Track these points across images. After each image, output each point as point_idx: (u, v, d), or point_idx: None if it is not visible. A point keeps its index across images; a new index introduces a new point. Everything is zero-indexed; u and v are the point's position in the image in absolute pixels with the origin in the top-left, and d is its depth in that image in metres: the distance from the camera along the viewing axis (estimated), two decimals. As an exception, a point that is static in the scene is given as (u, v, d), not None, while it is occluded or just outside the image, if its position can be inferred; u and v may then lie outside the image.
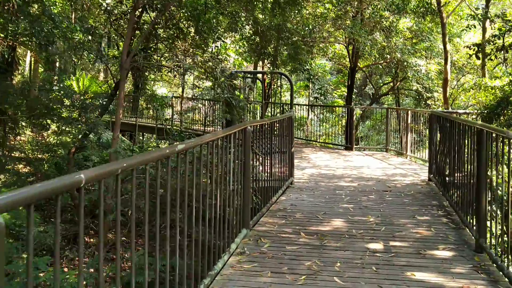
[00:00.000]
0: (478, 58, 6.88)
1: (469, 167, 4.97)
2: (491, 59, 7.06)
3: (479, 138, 4.33)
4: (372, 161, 10.71)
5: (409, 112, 11.25)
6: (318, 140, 14.66)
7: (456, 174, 5.80)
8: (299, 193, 7.04)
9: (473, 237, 4.66)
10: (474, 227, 4.63)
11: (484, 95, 8.76)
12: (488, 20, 9.51)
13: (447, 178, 6.50)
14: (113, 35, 10.68)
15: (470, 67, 14.35)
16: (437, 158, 7.25)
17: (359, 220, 5.50)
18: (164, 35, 8.12)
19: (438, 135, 7.52)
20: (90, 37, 11.38)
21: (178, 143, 2.98)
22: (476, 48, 6.83)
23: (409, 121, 11.25)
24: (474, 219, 4.54)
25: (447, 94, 10.12)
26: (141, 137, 19.50)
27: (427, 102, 13.07)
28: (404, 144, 11.97)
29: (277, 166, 6.79)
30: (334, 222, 5.48)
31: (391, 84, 17.98)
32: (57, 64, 20.78)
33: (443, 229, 5.12)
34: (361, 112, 16.53)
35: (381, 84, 18.83)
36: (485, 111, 7.45)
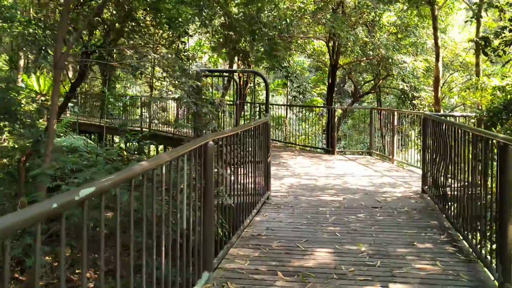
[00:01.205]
0: (485, 54, 6.03)
1: (480, 183, 4.06)
2: (499, 55, 6.21)
3: (503, 155, 3.40)
4: (356, 167, 9.80)
5: (396, 113, 10.37)
6: (297, 143, 13.70)
7: (463, 193, 4.88)
8: (277, 211, 6.04)
9: (492, 278, 3.74)
10: (494, 265, 3.71)
11: (479, 96, 7.94)
12: (483, 13, 8.75)
13: (447, 192, 5.59)
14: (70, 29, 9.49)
15: (458, 64, 13.59)
16: (433, 169, 6.35)
17: (349, 251, 4.53)
18: (126, 29, 7.04)
19: (431, 140, 6.63)
20: (48, 32, 10.18)
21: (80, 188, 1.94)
22: (483, 43, 5.98)
23: (395, 123, 10.38)
24: (496, 258, 3.61)
25: (439, 94, 9.31)
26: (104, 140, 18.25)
27: (413, 102, 12.26)
28: (390, 148, 11.11)
29: (251, 179, 5.78)
30: (319, 253, 4.49)
31: (373, 82, 17.17)
32: (21, 63, 19.39)
33: (451, 263, 4.19)
34: (342, 111, 15.64)
35: (362, 83, 17.98)
36: (487, 115, 6.59)
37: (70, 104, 18.02)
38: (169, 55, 4.75)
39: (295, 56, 23.67)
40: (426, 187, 6.85)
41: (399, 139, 11.42)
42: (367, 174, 8.95)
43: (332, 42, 12.69)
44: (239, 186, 5.14)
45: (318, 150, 12.93)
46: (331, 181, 8.18)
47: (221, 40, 6.49)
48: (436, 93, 9.30)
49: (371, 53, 12.18)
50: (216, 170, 4.18)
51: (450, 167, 5.49)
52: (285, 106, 17.98)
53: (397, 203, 6.43)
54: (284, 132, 17.88)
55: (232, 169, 4.94)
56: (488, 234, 4.08)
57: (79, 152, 9.94)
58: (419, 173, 9.18)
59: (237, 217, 5.03)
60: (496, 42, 6.24)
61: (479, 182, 4.41)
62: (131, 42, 5.17)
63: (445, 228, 5.24)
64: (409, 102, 12.29)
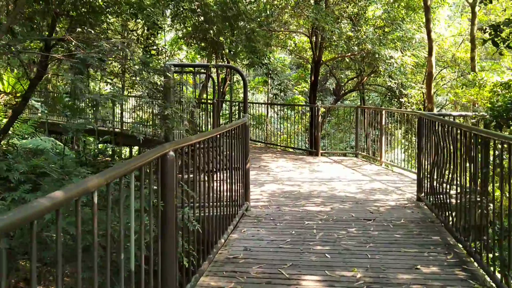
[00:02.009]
0: (496, 45, 5.38)
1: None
2: (509, 46, 5.56)
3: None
4: (343, 170, 9.10)
5: (384, 112, 9.71)
6: (279, 144, 12.96)
7: (474, 204, 4.20)
8: (257, 226, 5.27)
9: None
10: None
11: (476, 93, 7.32)
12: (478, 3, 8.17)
13: (450, 201, 4.92)
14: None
15: (449, 60, 12.97)
16: (432, 174, 5.67)
17: (342, 279, 3.79)
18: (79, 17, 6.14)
19: (428, 142, 5.96)
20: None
21: None
22: (493, 32, 5.32)
23: (383, 122, 9.72)
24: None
25: (432, 91, 8.66)
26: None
27: (400, 100, 11.63)
28: (377, 149, 10.47)
29: (227, 189, 5.02)
30: (306, 282, 3.75)
31: (357, 79, 16.54)
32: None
33: (465, 294, 3.49)
34: (325, 110, 14.95)
35: (345, 80, 17.34)
36: (491, 114, 5.94)
37: (37, 104, 16.95)
38: (127, 45, 3.95)
39: (276, 52, 22.98)
40: (423, 194, 6.17)
41: (386, 138, 10.78)
42: (355, 178, 8.26)
43: (315, 36, 11.97)
44: (212, 200, 4.36)
45: (301, 151, 12.21)
46: (317, 187, 7.45)
47: (189, 28, 5.70)
48: (429, 90, 8.65)
49: (356, 48, 11.50)
50: (181, 184, 3.40)
51: (455, 173, 4.81)
52: (266, 105, 17.23)
53: (391, 214, 5.73)
54: (265, 131, 17.13)
55: (205, 178, 4.16)
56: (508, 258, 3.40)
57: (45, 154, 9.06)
58: (411, 177, 8.55)
59: (210, 237, 4.25)
60: (505, 32, 5.58)
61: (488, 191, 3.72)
62: (79, 29, 4.36)
63: (450, 245, 4.55)
64: (396, 100, 11.66)
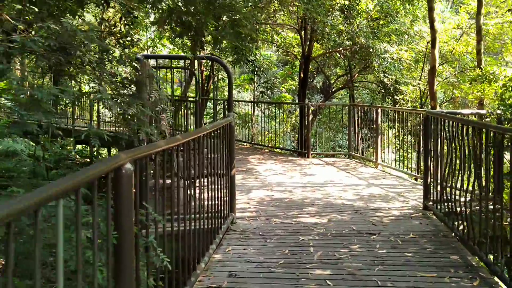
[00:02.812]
0: None
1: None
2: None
3: None
4: (337, 173, 8.39)
5: (380, 110, 9.02)
6: (267, 144, 12.21)
7: (502, 220, 3.51)
8: (244, 244, 4.51)
9: None
10: None
11: (483, 89, 6.66)
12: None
13: (465, 211, 4.23)
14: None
15: (446, 53, 12.30)
16: (443, 180, 4.98)
17: (351, 317, 3.06)
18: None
19: (437, 144, 5.28)
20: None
21: None
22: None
23: (379, 122, 9.03)
24: None
25: (435, 87, 7.96)
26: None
27: (395, 97, 10.96)
28: (369, 149, 9.80)
29: (209, 198, 4.26)
30: (306, 322, 3.00)
31: (347, 76, 15.86)
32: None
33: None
34: (314, 109, 14.22)
35: (335, 77, 16.65)
36: (504, 111, 5.27)
37: (8, 102, 15.90)
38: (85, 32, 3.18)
39: (262, 49, 22.23)
40: (431, 203, 5.47)
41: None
42: (351, 182, 7.55)
43: (304, 30, 11.24)
44: (191, 212, 3.59)
45: (291, 152, 11.48)
46: (310, 193, 6.72)
47: (162, 13, 4.96)
48: (432, 86, 7.95)
49: (347, 42, 10.80)
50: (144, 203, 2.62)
51: (472, 179, 4.12)
52: (253, 103, 16.48)
53: (397, 226, 5.01)
54: (252, 130, 16.37)
55: (187, 184, 3.39)
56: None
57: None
58: (411, 181, 7.89)
59: (188, 259, 3.49)
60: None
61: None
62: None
63: (473, 267, 3.84)
64: (390, 97, 10.99)
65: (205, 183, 4.24)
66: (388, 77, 10.55)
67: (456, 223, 4.55)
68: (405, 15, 10.90)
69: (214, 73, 16.93)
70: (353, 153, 10.25)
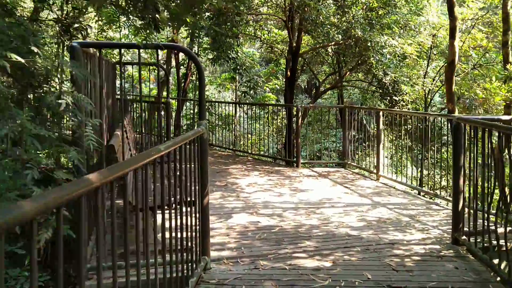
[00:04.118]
0: None
1: None
2: None
3: None
4: (334, 189, 7.12)
5: (381, 113, 7.78)
6: (250, 150, 10.87)
7: None
8: (220, 308, 3.19)
9: None
10: None
11: (506, 90, 5.53)
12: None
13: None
14: None
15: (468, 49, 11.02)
16: (485, 205, 3.74)
17: None
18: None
19: (473, 158, 4.04)
20: None
21: None
22: None
23: (381, 126, 7.79)
24: None
25: (453, 86, 6.69)
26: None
27: (393, 98, 9.71)
28: (368, 158, 8.59)
29: (171, 239, 2.95)
30: None
31: (335, 75, 14.63)
32: None
33: None
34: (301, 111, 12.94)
35: (324, 75, 15.40)
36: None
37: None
38: None
39: (245, 46, 20.92)
40: (464, 237, 4.23)
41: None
42: (352, 201, 6.28)
43: (292, 21, 9.92)
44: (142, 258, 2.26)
45: (278, 161, 10.18)
46: (304, 218, 5.42)
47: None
48: (450, 86, 6.67)
49: (340, 36, 9.54)
50: None
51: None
52: (235, 104, 15.15)
53: (427, 273, 3.74)
54: (234, 132, 15.03)
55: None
56: None
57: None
58: (423, 199, 6.67)
59: None
60: None
61: None
62: None
63: None
64: (388, 99, 9.76)
65: (169, 216, 2.94)
66: (391, 74, 9.29)
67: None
68: (406, 4, 9.64)
69: (191, 71, 15.57)
70: (348, 162, 9.00)
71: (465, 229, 4.28)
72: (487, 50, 10.43)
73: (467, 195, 4.41)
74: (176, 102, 15.46)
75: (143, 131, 8.73)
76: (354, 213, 5.65)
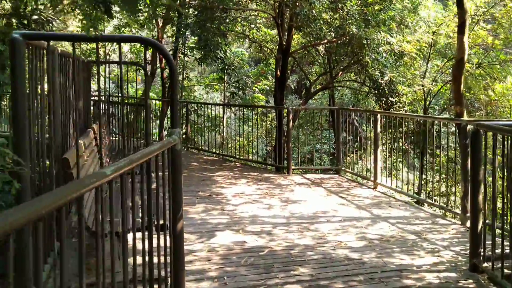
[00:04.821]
0: None
1: None
2: None
3: None
4: (328, 199, 6.49)
5: (379, 116, 7.16)
6: (238, 154, 10.19)
7: None
8: None
9: None
10: None
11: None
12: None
13: None
14: None
15: (453, 45, 10.36)
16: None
17: None
18: None
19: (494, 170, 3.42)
20: None
21: None
22: None
23: (378, 130, 7.18)
24: None
25: (462, 87, 6.08)
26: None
27: (390, 99, 9.08)
28: (363, 163, 8.01)
29: (132, 270, 2.28)
30: None
31: (327, 75, 14.02)
32: None
33: None
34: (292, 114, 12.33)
35: (316, 75, 14.78)
36: None
37: None
38: None
39: (233, 45, 20.26)
40: (485, 264, 3.61)
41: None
42: (350, 214, 5.65)
43: (282, 17, 9.27)
44: None
45: (267, 166, 9.52)
46: (297, 237, 4.78)
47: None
48: (458, 86, 6.03)
49: (332, 34, 8.93)
50: None
51: None
52: (223, 106, 14.48)
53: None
54: (221, 134, 14.35)
55: None
56: None
57: None
58: (427, 211, 6.07)
59: None
60: None
61: None
62: None
63: None
64: (383, 101, 9.15)
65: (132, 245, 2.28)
66: (389, 74, 8.66)
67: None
68: (401, 0, 9.04)
69: (178, 70, 14.84)
70: (342, 168, 8.39)
71: (485, 252, 3.66)
72: (492, 47, 9.86)
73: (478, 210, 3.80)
74: (161, 104, 14.76)
75: (122, 135, 8.04)
76: (353, 230, 5.02)
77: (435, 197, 8.36)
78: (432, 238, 4.72)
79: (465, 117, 6.09)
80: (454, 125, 7.82)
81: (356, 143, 10.43)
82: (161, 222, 2.94)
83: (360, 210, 5.89)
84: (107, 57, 20.14)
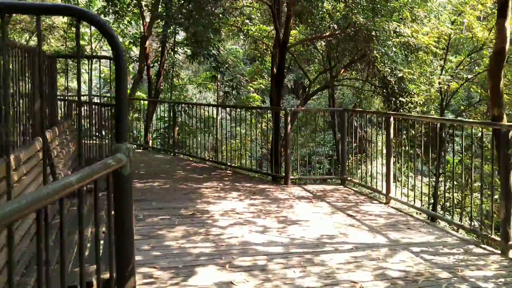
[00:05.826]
0: None
1: None
2: None
3: None
4: (335, 218, 5.46)
5: (392, 118, 6.14)
6: (230, 163, 9.15)
7: None
8: None
9: None
10: None
11: None
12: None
13: None
14: None
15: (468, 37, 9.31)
16: None
17: None
18: None
19: None
20: None
21: None
22: None
23: (391, 135, 6.17)
24: None
25: (501, 84, 5.06)
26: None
27: (400, 99, 8.06)
28: (370, 172, 7.00)
29: None
30: None
31: (327, 73, 13.04)
32: None
33: None
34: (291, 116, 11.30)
35: (315, 73, 13.76)
36: None
37: None
38: None
39: (227, 42, 19.26)
40: None
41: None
42: (362, 240, 4.63)
43: (279, 6, 8.22)
44: None
45: (262, 175, 8.47)
46: (299, 275, 3.74)
47: None
48: (497, 83, 4.97)
49: (336, 26, 7.92)
50: None
51: None
52: (215, 107, 13.44)
53: None
54: (215, 138, 13.28)
55: None
56: None
57: None
58: (455, 234, 5.05)
59: None
60: None
61: None
62: None
63: None
64: (392, 101, 8.13)
65: None
66: (403, 70, 7.63)
67: None
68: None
69: (165, 67, 13.84)
70: (347, 177, 7.38)
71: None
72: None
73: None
74: (147, 104, 13.72)
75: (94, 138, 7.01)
76: (368, 263, 4.00)
77: (456, 213, 7.36)
78: (471, 277, 3.70)
79: (505, 121, 5.08)
80: (481, 129, 6.79)
81: (363, 151, 9.39)
82: None
83: (374, 233, 4.87)
84: (95, 53, 19.06)
